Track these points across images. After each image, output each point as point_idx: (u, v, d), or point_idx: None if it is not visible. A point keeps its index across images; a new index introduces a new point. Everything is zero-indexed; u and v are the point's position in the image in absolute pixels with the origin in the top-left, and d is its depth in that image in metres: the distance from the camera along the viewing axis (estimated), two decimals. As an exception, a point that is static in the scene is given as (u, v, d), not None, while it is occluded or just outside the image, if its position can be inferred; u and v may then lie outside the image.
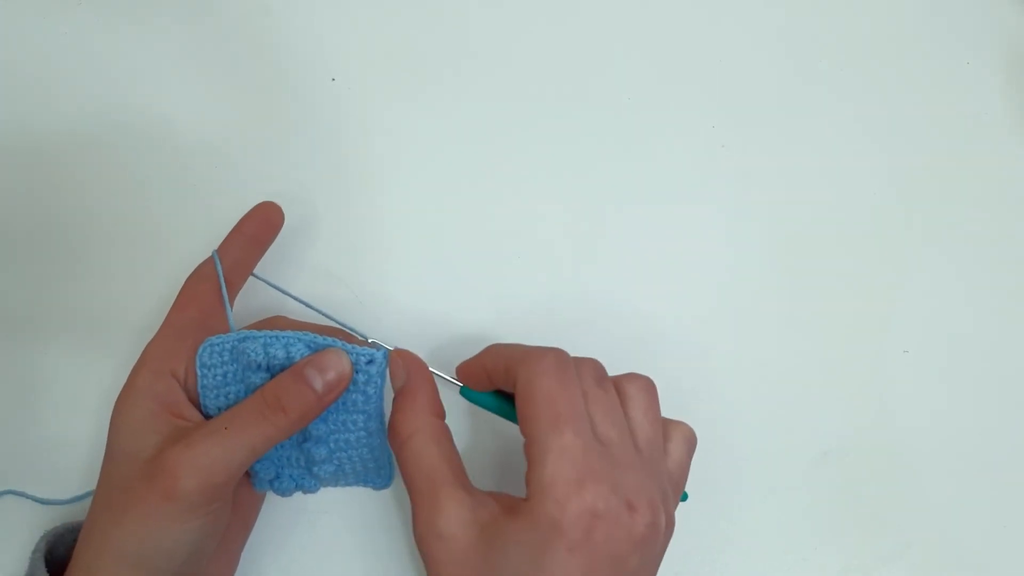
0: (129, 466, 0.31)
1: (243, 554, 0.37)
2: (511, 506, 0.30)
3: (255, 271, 0.37)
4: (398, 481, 0.39)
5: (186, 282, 0.35)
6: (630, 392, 0.33)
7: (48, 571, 0.32)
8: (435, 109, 0.44)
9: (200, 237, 0.41)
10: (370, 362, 0.33)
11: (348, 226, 0.42)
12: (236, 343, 0.33)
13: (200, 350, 0.33)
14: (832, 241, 0.44)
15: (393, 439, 0.33)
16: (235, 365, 0.33)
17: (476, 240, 0.42)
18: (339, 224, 0.42)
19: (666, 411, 0.40)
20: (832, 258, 0.43)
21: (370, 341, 0.35)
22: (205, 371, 0.33)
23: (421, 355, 0.35)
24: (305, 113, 0.44)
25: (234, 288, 0.36)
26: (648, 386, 0.34)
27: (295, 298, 0.37)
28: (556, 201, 0.43)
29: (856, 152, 0.45)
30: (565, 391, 0.31)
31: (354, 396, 0.34)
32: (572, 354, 0.33)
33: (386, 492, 0.39)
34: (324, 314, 0.36)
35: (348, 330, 0.36)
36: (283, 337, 0.33)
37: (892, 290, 0.43)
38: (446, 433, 0.33)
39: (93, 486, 0.37)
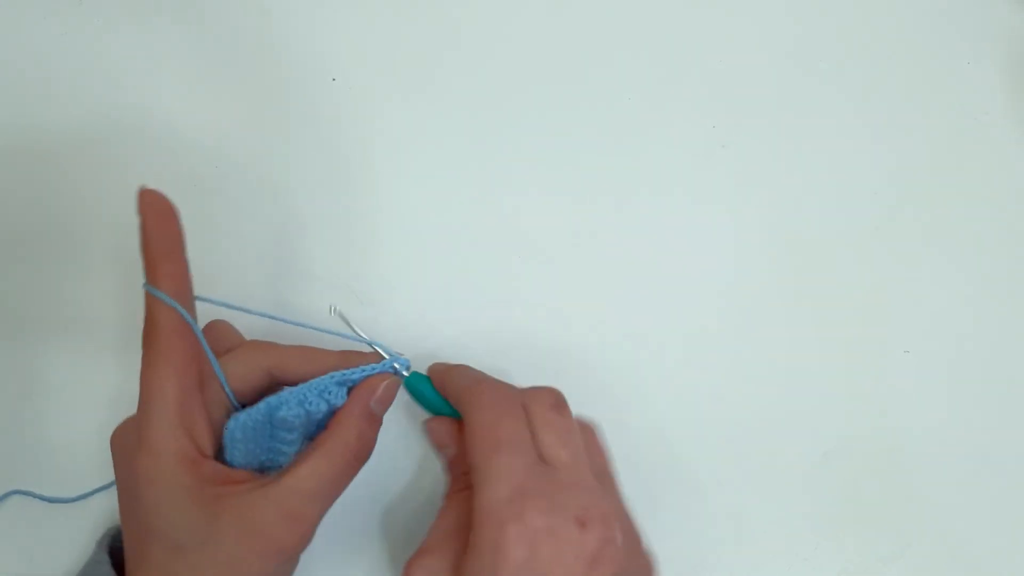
0: (217, 551, 0.30)
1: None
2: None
3: (204, 295, 0.33)
4: (398, 480, 0.39)
5: (153, 337, 0.30)
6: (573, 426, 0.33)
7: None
8: (435, 109, 0.44)
9: (200, 237, 0.41)
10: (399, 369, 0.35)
11: (348, 226, 0.42)
12: (268, 414, 0.32)
13: (231, 427, 0.32)
14: (832, 241, 0.44)
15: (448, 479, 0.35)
16: (265, 428, 0.32)
17: (476, 240, 0.42)
18: (339, 224, 0.42)
19: (664, 412, 0.40)
20: (832, 258, 0.43)
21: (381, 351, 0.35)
22: (235, 443, 0.32)
23: (421, 355, 0.35)
24: (305, 113, 0.44)
25: (191, 310, 0.31)
26: (589, 428, 0.34)
27: (261, 314, 0.35)
28: (556, 201, 0.43)
29: (856, 152, 0.45)
30: (504, 420, 0.31)
31: None
32: (571, 356, 0.34)
33: (386, 494, 0.39)
34: (293, 323, 0.36)
35: (322, 332, 0.36)
36: (315, 388, 0.32)
37: (893, 290, 0.43)
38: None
39: (96, 484, 0.38)
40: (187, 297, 0.31)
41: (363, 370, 0.34)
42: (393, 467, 0.39)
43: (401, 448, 0.39)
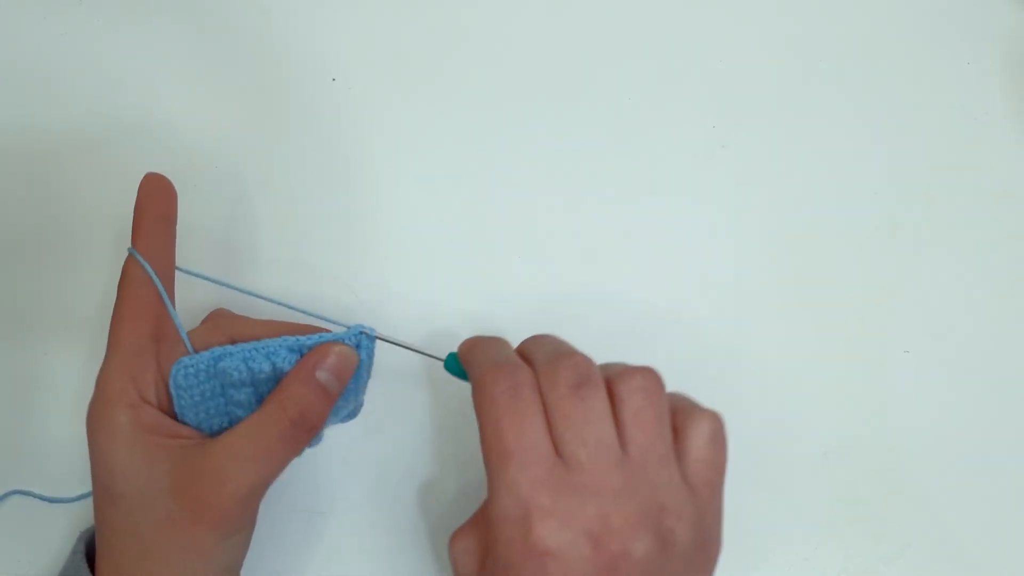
0: (151, 503, 0.30)
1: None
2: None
3: (186, 267, 0.35)
4: (397, 480, 0.39)
5: (121, 290, 0.32)
6: (622, 393, 0.30)
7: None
8: (435, 109, 0.44)
9: (200, 237, 0.41)
10: (359, 345, 0.33)
11: (348, 225, 0.42)
12: (212, 362, 0.31)
13: (173, 372, 0.31)
14: (832, 241, 0.44)
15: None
16: (212, 383, 0.32)
17: (476, 239, 0.42)
18: (339, 223, 0.42)
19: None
20: (832, 258, 0.43)
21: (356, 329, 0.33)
22: (181, 392, 0.31)
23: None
24: (305, 113, 0.44)
25: (169, 282, 0.33)
26: (647, 384, 0.30)
27: (233, 287, 0.35)
28: (557, 201, 0.43)
29: (856, 152, 0.45)
30: (514, 420, 0.29)
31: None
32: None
33: (386, 493, 0.39)
34: (272, 300, 0.35)
35: (309, 314, 0.35)
36: (263, 348, 0.32)
37: (893, 290, 0.43)
38: None
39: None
40: (163, 260, 0.33)
41: (319, 337, 0.32)
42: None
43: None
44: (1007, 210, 0.45)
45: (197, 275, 0.35)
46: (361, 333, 0.33)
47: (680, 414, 0.31)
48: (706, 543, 0.30)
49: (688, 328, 0.42)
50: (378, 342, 0.34)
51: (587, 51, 0.46)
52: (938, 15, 0.48)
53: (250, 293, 0.36)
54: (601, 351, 0.36)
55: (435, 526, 0.39)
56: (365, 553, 0.38)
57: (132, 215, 0.33)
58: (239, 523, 0.31)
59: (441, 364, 0.34)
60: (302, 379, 0.31)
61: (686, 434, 0.30)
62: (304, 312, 0.35)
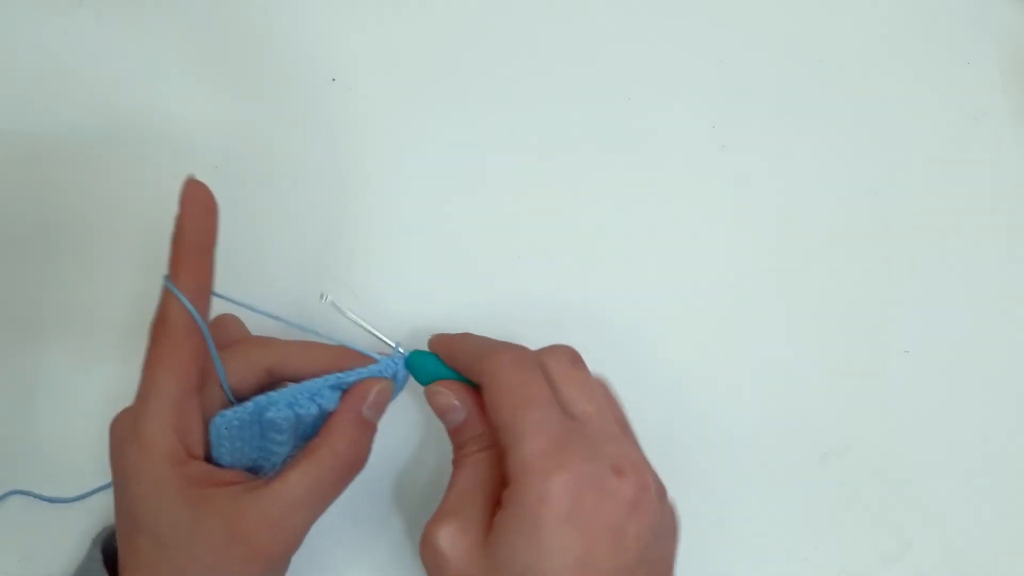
0: (201, 550, 0.29)
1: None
2: (500, 502, 0.30)
3: (222, 292, 0.33)
4: (395, 479, 0.39)
5: (161, 336, 0.30)
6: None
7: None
8: (435, 109, 0.44)
9: (200, 237, 0.41)
10: (394, 375, 0.34)
11: (347, 225, 0.42)
12: (256, 414, 0.31)
13: (216, 425, 0.31)
14: (832, 241, 0.44)
15: (455, 444, 0.34)
16: (253, 429, 0.32)
17: (476, 240, 0.42)
18: (338, 223, 0.42)
19: (664, 412, 0.40)
20: (832, 258, 0.43)
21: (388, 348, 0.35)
22: (221, 442, 0.31)
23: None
24: (305, 113, 0.44)
25: (205, 317, 0.31)
26: (605, 385, 0.35)
27: (267, 314, 0.35)
28: (556, 201, 0.43)
29: (856, 151, 0.45)
30: (528, 379, 0.31)
31: None
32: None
33: (386, 492, 0.39)
34: (297, 326, 0.35)
35: (323, 338, 0.35)
36: (306, 392, 0.32)
37: (892, 290, 0.43)
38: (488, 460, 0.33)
39: (96, 484, 0.37)
40: (205, 296, 0.31)
41: (358, 373, 0.33)
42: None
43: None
44: (1007, 210, 0.45)
45: (238, 303, 0.34)
46: (398, 360, 0.34)
47: None
48: (677, 519, 0.34)
49: (687, 328, 0.42)
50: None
51: (586, 51, 0.46)
52: (938, 15, 0.48)
53: (295, 325, 0.35)
54: (601, 352, 0.36)
55: (435, 526, 0.39)
56: (365, 553, 0.38)
57: (170, 238, 0.31)
58: (285, 563, 0.32)
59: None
60: (351, 420, 0.32)
61: None
62: (333, 340, 0.35)
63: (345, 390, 0.33)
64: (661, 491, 0.31)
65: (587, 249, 0.43)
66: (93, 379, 0.39)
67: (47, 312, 0.40)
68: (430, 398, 0.34)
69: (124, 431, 0.31)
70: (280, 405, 0.31)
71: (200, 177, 0.42)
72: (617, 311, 0.42)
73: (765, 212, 0.44)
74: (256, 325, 0.36)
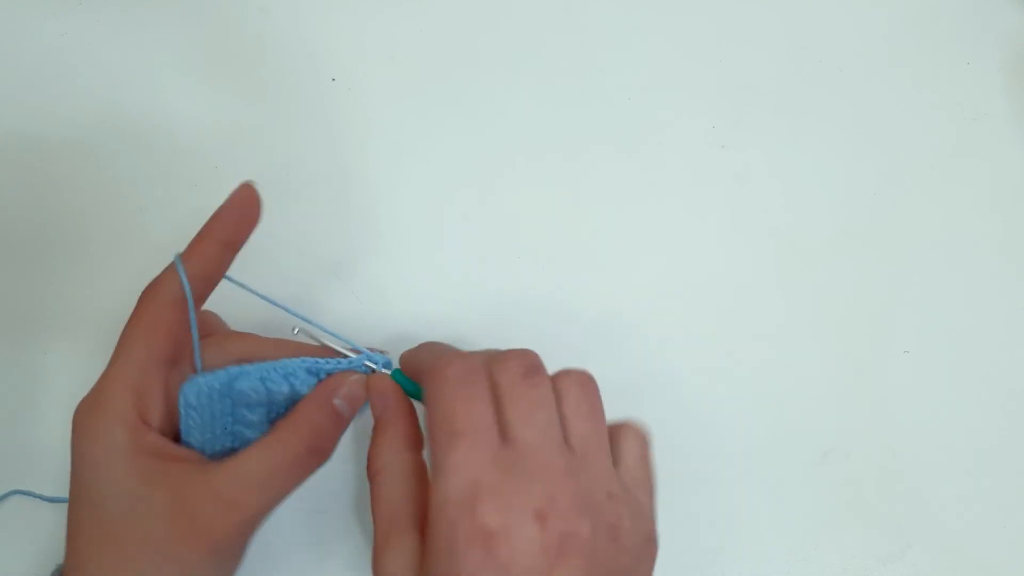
0: (144, 525, 0.28)
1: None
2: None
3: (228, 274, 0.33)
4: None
5: (146, 301, 0.30)
6: (562, 388, 0.30)
7: None
8: (435, 109, 0.44)
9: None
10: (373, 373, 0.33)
11: (347, 225, 0.42)
12: (227, 381, 0.30)
13: (184, 390, 0.30)
14: (832, 240, 0.44)
15: (368, 470, 0.32)
16: (224, 402, 0.31)
17: (475, 240, 0.42)
18: (338, 223, 0.42)
19: (664, 411, 0.40)
20: (832, 258, 0.43)
21: (365, 353, 0.34)
22: (190, 411, 0.30)
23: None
24: (305, 113, 0.44)
25: (200, 303, 0.31)
26: (582, 379, 0.31)
27: (273, 302, 0.34)
28: (556, 201, 0.43)
29: (856, 151, 0.45)
30: (465, 402, 0.28)
31: None
32: (570, 355, 0.32)
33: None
34: (299, 316, 0.34)
35: (332, 336, 0.34)
36: (281, 368, 0.31)
37: (892, 290, 0.43)
38: (417, 470, 0.31)
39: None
40: (206, 284, 0.31)
41: (337, 362, 0.32)
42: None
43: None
44: (1007, 210, 0.45)
45: (244, 286, 0.33)
46: (372, 363, 0.33)
47: (611, 427, 0.32)
48: (650, 537, 0.30)
49: (687, 328, 0.42)
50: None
51: (587, 51, 0.46)
52: (938, 15, 0.48)
53: (302, 317, 0.34)
54: (599, 350, 0.36)
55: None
56: (364, 553, 0.38)
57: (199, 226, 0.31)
58: (237, 549, 0.30)
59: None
60: (319, 404, 0.31)
61: (618, 441, 0.31)
62: (325, 331, 0.34)
63: (321, 380, 0.32)
64: (606, 528, 0.27)
65: (587, 248, 0.43)
66: (93, 379, 0.39)
67: (47, 312, 0.40)
68: (371, 404, 0.33)
69: (86, 402, 0.30)
70: (252, 376, 0.30)
71: (200, 177, 0.42)
72: (617, 311, 0.42)
73: (765, 212, 0.44)
74: (257, 326, 0.36)
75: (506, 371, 0.29)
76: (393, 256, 0.42)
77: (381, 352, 0.34)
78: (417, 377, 0.33)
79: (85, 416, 0.30)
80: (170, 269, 0.31)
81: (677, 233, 0.43)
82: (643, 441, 0.32)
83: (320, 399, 0.31)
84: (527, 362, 0.30)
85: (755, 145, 0.45)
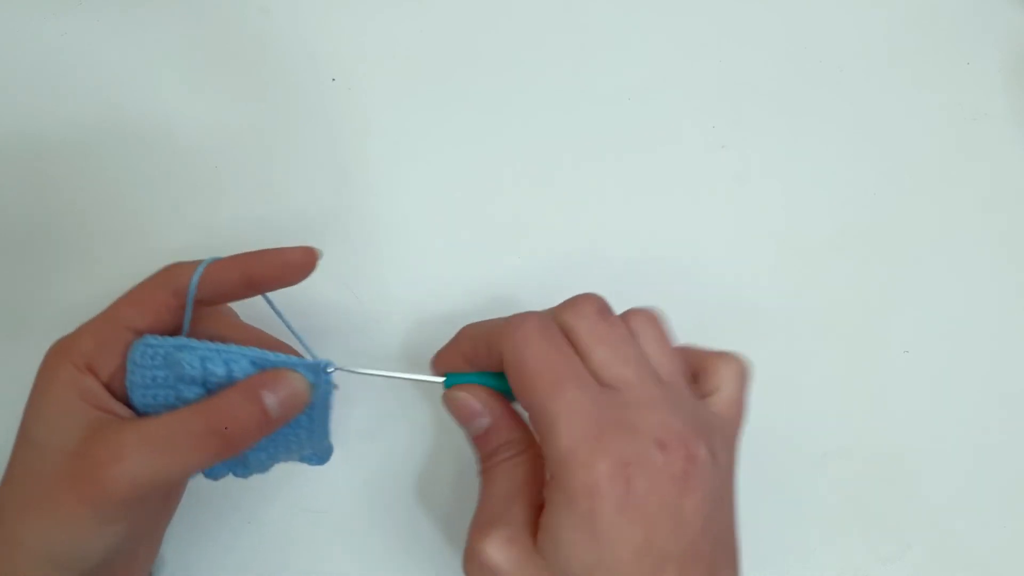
0: (48, 458, 0.28)
1: (241, 553, 0.37)
2: (544, 499, 0.28)
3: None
4: (396, 480, 0.39)
5: (155, 278, 0.31)
6: (636, 327, 0.30)
7: None
8: (435, 109, 0.44)
9: (201, 237, 0.41)
10: (317, 382, 0.31)
11: (347, 226, 0.42)
12: (172, 350, 0.30)
13: (133, 345, 0.30)
14: (832, 241, 0.44)
15: (482, 464, 0.32)
16: (167, 372, 0.30)
17: (476, 240, 0.42)
18: (338, 224, 0.42)
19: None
20: (831, 258, 0.43)
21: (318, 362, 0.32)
22: (134, 368, 0.30)
23: (419, 354, 0.35)
24: (305, 113, 0.44)
25: (197, 310, 0.32)
26: (652, 317, 0.31)
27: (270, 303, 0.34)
28: (556, 201, 0.43)
29: (856, 151, 0.45)
30: (555, 351, 0.29)
31: (301, 415, 0.32)
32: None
33: (385, 493, 0.39)
34: (283, 318, 0.34)
35: (296, 338, 0.34)
36: (224, 352, 0.30)
37: (892, 290, 0.43)
38: (526, 463, 0.31)
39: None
40: (216, 296, 0.31)
41: (283, 358, 0.31)
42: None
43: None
44: (1007, 210, 0.45)
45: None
46: (325, 370, 0.31)
47: (702, 356, 0.32)
48: (734, 470, 0.30)
49: (687, 328, 0.42)
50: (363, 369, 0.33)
51: (587, 51, 0.46)
52: (938, 15, 0.48)
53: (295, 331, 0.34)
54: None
55: (435, 525, 0.39)
56: (365, 553, 0.38)
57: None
58: (120, 512, 0.28)
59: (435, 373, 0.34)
60: (243, 391, 0.29)
61: (715, 372, 0.31)
62: (290, 328, 0.34)
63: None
64: (712, 453, 0.28)
65: (587, 248, 0.43)
66: (93, 379, 0.39)
67: (47, 312, 0.40)
68: (448, 404, 0.32)
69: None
70: (195, 352, 0.30)
71: (199, 177, 0.42)
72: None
73: (765, 212, 0.44)
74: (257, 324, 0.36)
75: (582, 316, 0.30)
76: (393, 256, 0.42)
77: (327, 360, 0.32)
78: (476, 350, 0.32)
79: (50, 349, 0.31)
80: (193, 265, 0.31)
81: (677, 233, 0.43)
82: (741, 378, 0.32)
83: (246, 387, 0.30)
84: (599, 303, 0.30)
85: (755, 145, 0.45)
